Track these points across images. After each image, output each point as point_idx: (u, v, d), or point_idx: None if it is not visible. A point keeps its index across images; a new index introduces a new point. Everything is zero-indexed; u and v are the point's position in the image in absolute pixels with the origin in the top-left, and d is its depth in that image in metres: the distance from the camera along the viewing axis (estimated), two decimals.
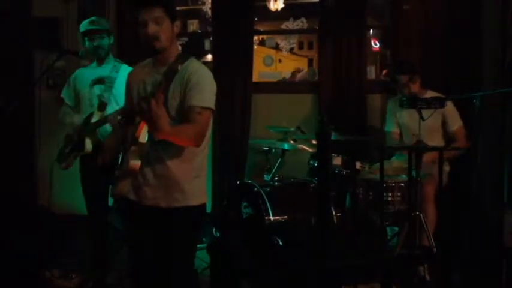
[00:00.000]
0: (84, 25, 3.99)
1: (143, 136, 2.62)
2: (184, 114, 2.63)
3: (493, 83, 4.74)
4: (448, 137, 4.52)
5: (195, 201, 2.76)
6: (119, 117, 3.46)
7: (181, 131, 2.59)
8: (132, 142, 2.65)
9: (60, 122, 4.09)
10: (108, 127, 3.73)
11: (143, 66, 2.86)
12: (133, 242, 2.89)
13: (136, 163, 2.64)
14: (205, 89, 2.67)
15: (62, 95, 4.13)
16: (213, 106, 2.68)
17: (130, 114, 2.76)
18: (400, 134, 4.73)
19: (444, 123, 4.49)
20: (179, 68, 2.62)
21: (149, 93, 2.57)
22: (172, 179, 2.70)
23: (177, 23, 2.72)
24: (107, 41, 3.99)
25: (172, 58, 2.71)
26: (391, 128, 4.74)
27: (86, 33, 3.98)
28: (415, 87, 4.47)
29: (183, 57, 2.72)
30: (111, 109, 3.80)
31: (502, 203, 4.21)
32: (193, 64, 2.73)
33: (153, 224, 2.75)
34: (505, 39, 4.72)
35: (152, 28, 2.62)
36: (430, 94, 4.41)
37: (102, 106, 3.83)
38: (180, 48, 2.87)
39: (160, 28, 2.63)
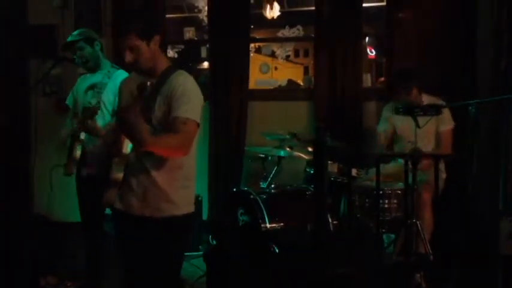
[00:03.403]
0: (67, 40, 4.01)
1: (126, 147, 2.64)
2: (169, 126, 2.63)
3: (488, 90, 4.76)
4: (436, 139, 4.53)
5: (180, 211, 2.75)
6: (88, 121, 3.58)
7: (163, 141, 2.58)
8: (116, 153, 2.66)
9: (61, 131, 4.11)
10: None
11: (134, 76, 2.86)
12: (123, 252, 2.88)
13: (118, 175, 2.66)
14: (190, 102, 2.65)
15: (67, 101, 4.16)
16: (197, 119, 2.66)
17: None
18: (392, 136, 4.72)
19: (437, 126, 4.50)
20: (149, 83, 2.60)
21: (124, 106, 2.59)
22: (158, 189, 2.70)
23: (156, 38, 2.69)
24: (89, 50, 3.95)
25: (160, 71, 2.72)
26: (383, 129, 4.74)
27: (67, 47, 3.99)
28: (413, 96, 4.45)
29: (170, 70, 2.73)
30: (100, 115, 3.79)
31: (498, 211, 4.22)
32: (179, 77, 2.71)
33: (140, 234, 2.74)
34: (499, 47, 4.73)
35: (128, 57, 2.65)
36: (426, 98, 4.43)
37: (85, 111, 3.81)
38: (166, 58, 2.86)
39: (136, 53, 2.65)
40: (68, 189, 4.11)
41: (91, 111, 3.63)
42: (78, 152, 3.78)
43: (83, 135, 3.78)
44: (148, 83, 2.58)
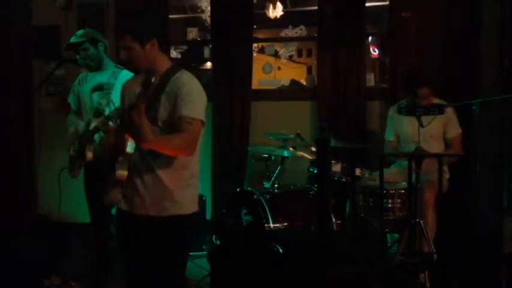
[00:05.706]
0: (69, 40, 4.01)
1: (130, 146, 2.66)
2: (174, 125, 2.65)
3: (491, 90, 4.75)
4: (446, 144, 4.53)
5: (185, 210, 2.77)
6: (110, 123, 3.50)
7: (167, 141, 2.62)
8: (120, 152, 2.68)
9: (67, 129, 4.11)
10: (102, 134, 3.73)
11: (137, 78, 2.89)
12: (127, 252, 2.89)
13: (122, 173, 2.68)
14: (195, 101, 2.68)
15: (69, 100, 4.16)
16: (203, 118, 2.70)
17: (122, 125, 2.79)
18: (398, 143, 4.71)
19: (444, 131, 4.49)
20: (153, 79, 2.64)
21: (128, 105, 2.60)
22: (162, 188, 2.71)
23: (152, 41, 2.72)
24: (93, 51, 3.95)
25: (161, 70, 2.74)
26: (390, 137, 4.72)
27: (70, 47, 3.99)
28: (427, 97, 4.42)
29: (173, 69, 2.75)
30: None
31: (501, 210, 4.21)
32: (183, 76, 2.74)
33: (144, 234, 2.75)
34: (503, 46, 4.73)
35: (122, 55, 2.73)
36: (435, 101, 4.42)
37: (98, 113, 3.82)
38: (168, 59, 2.88)
39: (130, 54, 2.70)
40: (74, 189, 4.12)
41: (118, 113, 3.60)
42: (90, 154, 3.78)
43: (95, 136, 3.78)
44: (153, 79, 2.63)
